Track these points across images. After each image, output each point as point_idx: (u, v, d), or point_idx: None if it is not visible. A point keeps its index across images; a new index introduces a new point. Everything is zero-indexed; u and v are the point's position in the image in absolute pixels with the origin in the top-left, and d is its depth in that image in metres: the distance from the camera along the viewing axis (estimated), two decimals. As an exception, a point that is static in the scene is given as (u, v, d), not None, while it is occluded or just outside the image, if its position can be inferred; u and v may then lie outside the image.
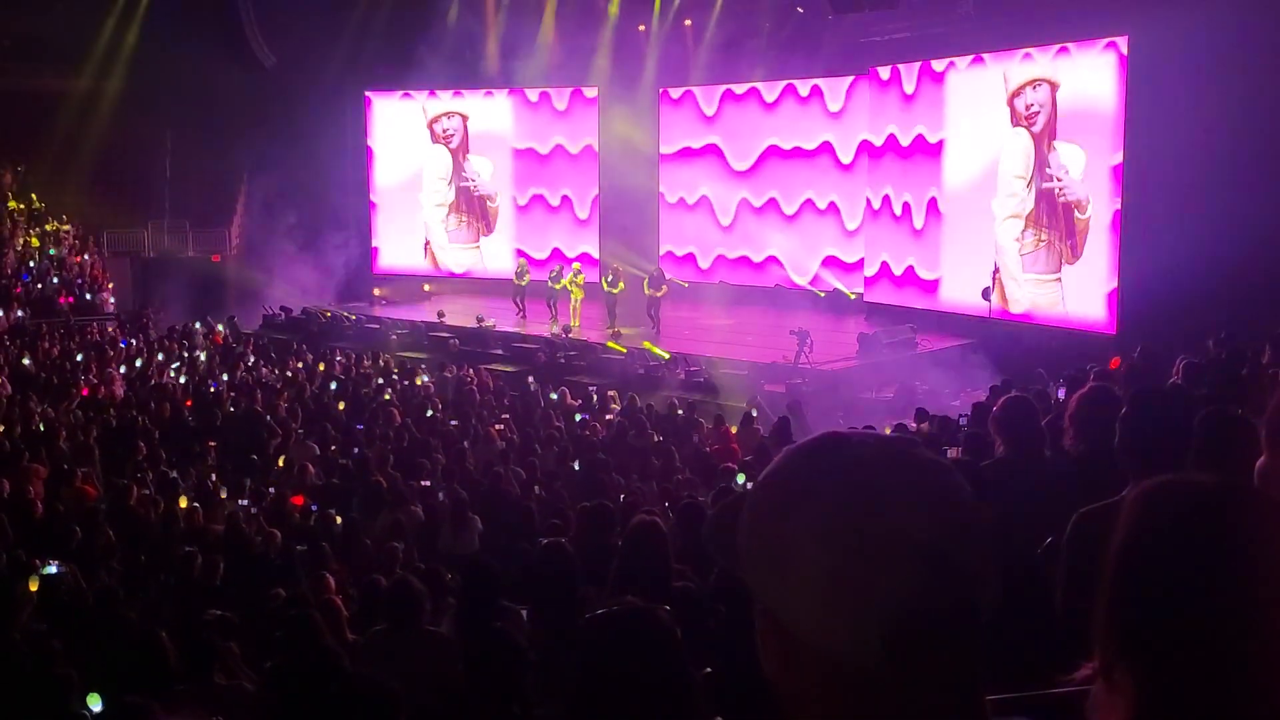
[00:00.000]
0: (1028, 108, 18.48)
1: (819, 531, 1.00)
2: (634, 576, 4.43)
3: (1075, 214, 17.94)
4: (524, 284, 22.66)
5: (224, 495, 10.29)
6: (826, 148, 23.18)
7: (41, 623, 6.62)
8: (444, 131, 27.32)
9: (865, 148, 22.19)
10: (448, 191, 27.43)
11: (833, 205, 23.07)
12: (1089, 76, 17.59)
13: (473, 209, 27.30)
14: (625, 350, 18.56)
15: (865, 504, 1.00)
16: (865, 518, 0.99)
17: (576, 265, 22.91)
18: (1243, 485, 1.21)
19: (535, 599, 4.58)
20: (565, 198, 26.31)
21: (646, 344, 18.51)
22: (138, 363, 18.23)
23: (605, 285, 20.98)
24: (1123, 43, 16.87)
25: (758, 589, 1.05)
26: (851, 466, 1.03)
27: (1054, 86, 18.09)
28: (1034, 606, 2.94)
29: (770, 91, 23.79)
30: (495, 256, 26.57)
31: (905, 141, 21.11)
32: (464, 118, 27.16)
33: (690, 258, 25.29)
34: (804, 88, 23.29)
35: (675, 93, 25.45)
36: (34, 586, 7.15)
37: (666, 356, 17.79)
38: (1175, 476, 1.23)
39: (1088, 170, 17.55)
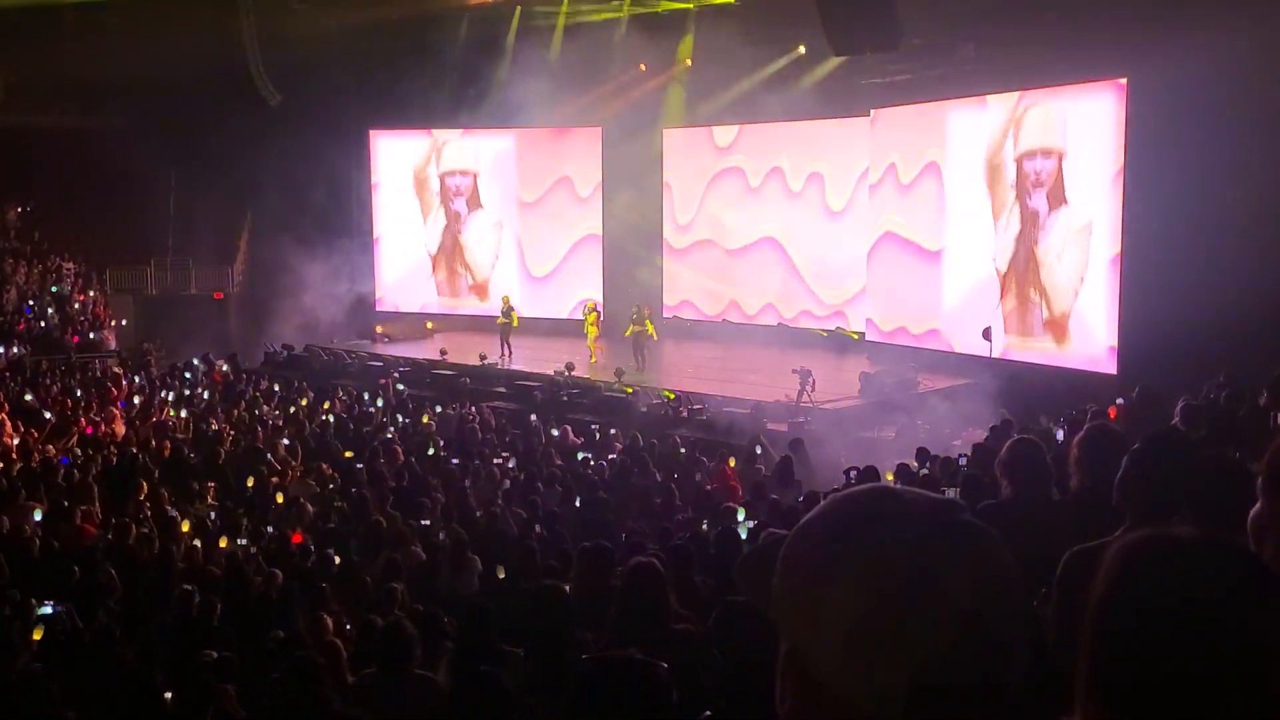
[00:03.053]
0: (1036, 174, 18.56)
1: (859, 579, 1.00)
2: (633, 619, 4.40)
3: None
4: (514, 324, 22.41)
5: (223, 535, 10.23)
6: (818, 180, 23.41)
7: (38, 663, 6.57)
8: (456, 188, 27.50)
9: (859, 184, 22.32)
10: (445, 240, 27.77)
11: (838, 240, 23.16)
12: (1088, 120, 17.67)
13: (465, 256, 27.59)
14: (630, 389, 18.51)
15: (910, 559, 1.00)
16: (908, 573, 0.99)
17: (591, 302, 22.91)
18: (1224, 539, 1.20)
19: (530, 641, 4.55)
20: (572, 233, 26.44)
21: (665, 392, 18.33)
22: (138, 400, 18.23)
23: (650, 328, 20.98)
24: (1122, 86, 16.96)
25: (786, 627, 1.05)
26: (899, 520, 1.03)
27: (1061, 156, 18.20)
28: (1030, 648, 2.91)
29: (769, 129, 23.97)
30: (497, 295, 26.61)
31: (885, 178, 21.31)
32: (474, 175, 27.35)
33: (695, 294, 25.38)
34: (799, 127, 23.46)
35: (673, 131, 25.65)
36: (38, 635, 7.07)
37: (671, 396, 17.73)
38: (1157, 530, 1.22)
39: (1089, 213, 17.60)
